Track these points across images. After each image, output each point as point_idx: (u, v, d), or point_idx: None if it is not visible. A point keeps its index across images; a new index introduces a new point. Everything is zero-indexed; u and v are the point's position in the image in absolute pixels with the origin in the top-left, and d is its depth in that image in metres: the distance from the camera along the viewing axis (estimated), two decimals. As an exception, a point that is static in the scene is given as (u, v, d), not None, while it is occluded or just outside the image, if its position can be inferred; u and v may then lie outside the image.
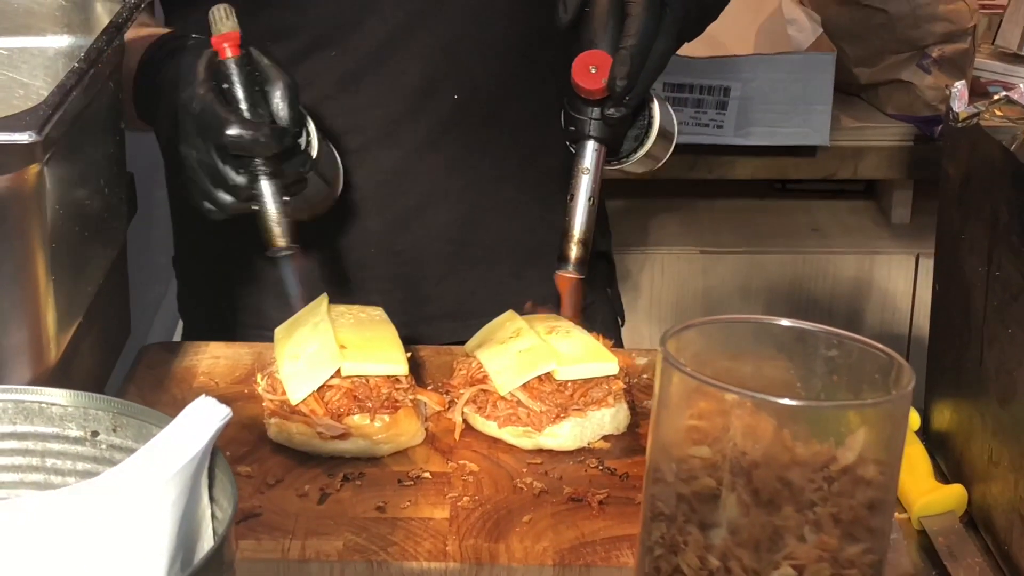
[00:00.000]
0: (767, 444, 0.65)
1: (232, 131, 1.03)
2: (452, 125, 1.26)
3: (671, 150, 1.21)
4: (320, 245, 1.27)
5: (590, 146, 1.13)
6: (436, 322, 1.32)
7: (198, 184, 1.09)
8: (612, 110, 1.10)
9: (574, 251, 1.14)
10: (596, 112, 1.12)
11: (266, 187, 1.06)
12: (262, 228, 1.07)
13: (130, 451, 0.56)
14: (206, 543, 0.57)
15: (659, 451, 0.67)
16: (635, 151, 1.17)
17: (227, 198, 1.08)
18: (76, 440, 0.61)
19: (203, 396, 0.58)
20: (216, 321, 1.37)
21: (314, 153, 1.10)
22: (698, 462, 0.66)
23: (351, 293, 1.28)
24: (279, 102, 1.07)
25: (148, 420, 0.60)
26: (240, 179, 1.06)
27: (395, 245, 1.29)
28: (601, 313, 1.41)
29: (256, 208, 1.07)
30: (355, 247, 1.29)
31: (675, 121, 1.20)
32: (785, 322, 0.69)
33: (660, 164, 1.21)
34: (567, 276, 1.15)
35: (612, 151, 1.15)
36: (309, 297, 1.12)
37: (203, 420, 0.57)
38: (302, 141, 1.10)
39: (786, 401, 0.63)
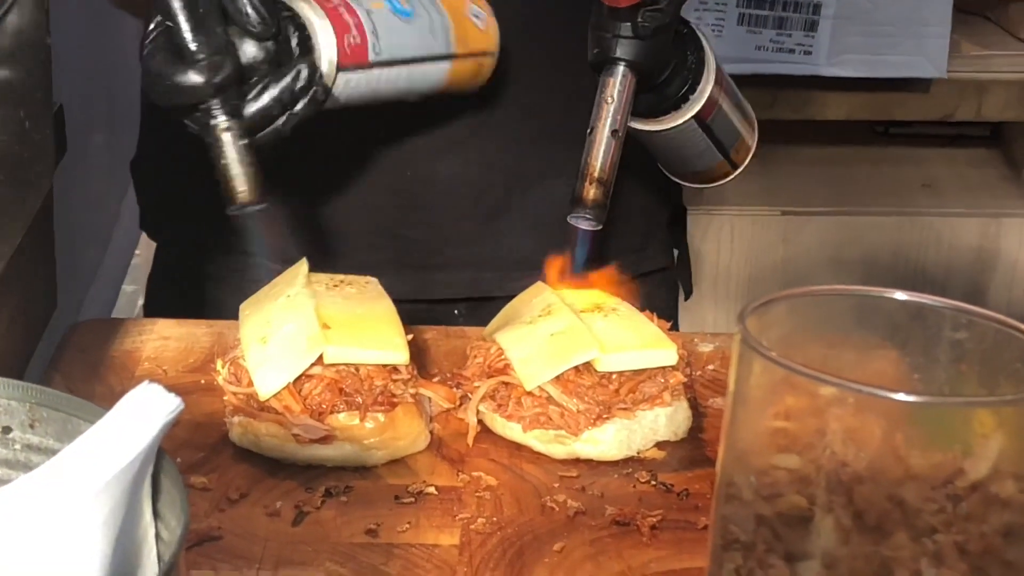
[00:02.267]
0: (874, 452, 0.64)
1: (160, 97, 1.04)
2: None
3: (749, 142, 1.23)
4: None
5: (618, 71, 1.14)
6: (452, 271, 1.33)
7: None
8: (647, 16, 1.11)
9: (591, 192, 1.14)
10: (626, 28, 1.12)
11: (219, 132, 1.06)
12: (218, 179, 1.07)
13: (51, 452, 0.55)
14: (148, 571, 0.56)
15: (734, 460, 0.67)
16: (683, 102, 1.17)
17: None
18: (-18, 438, 0.60)
19: (147, 382, 0.57)
20: (191, 254, 1.39)
21: (323, 61, 1.08)
22: (784, 475, 0.65)
23: (344, 241, 1.30)
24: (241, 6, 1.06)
25: (75, 413, 0.59)
26: (198, 132, 1.07)
27: (437, 171, 1.31)
28: (661, 284, 1.42)
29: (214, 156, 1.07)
30: (388, 169, 1.30)
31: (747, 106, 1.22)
32: (899, 295, 0.69)
33: (730, 160, 1.23)
34: (580, 224, 1.15)
35: (645, 81, 1.15)
36: (286, 262, 1.12)
37: (146, 414, 0.56)
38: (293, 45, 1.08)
39: (901, 396, 0.62)
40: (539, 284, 1.18)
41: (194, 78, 1.03)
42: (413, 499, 1.00)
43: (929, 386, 0.69)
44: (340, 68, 1.08)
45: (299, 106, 1.07)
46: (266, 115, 1.07)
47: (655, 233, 1.42)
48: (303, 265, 1.14)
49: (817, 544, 0.64)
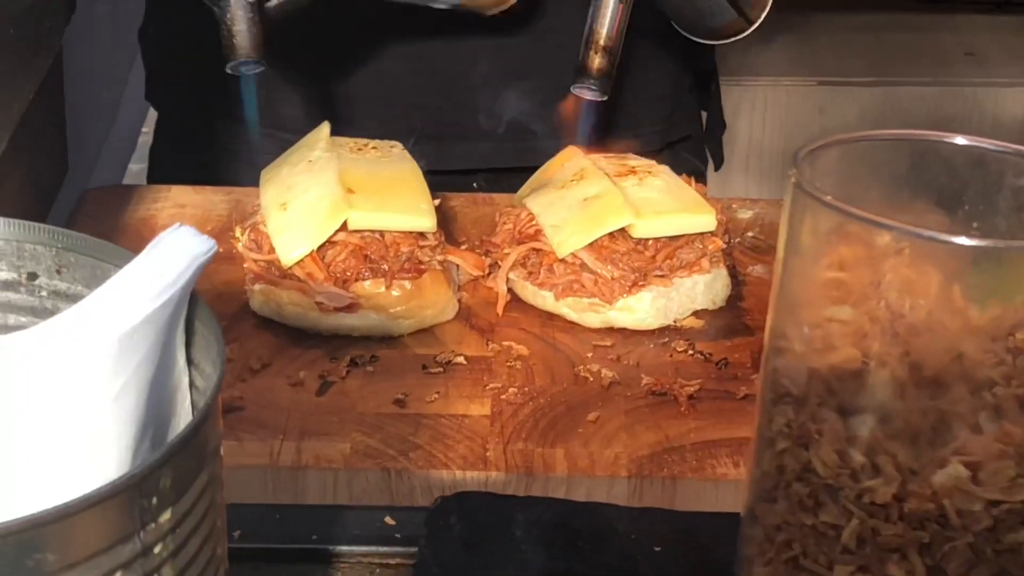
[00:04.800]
0: (932, 304, 0.63)
1: None
2: None
3: (765, 1, 1.21)
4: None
5: None
6: (470, 140, 1.33)
7: None
8: None
9: (596, 61, 1.13)
10: None
11: None
12: (220, 35, 1.07)
13: (79, 299, 0.55)
14: (182, 420, 0.56)
15: (786, 311, 0.67)
16: None
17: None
18: (7, 285, 0.60)
19: (179, 225, 0.57)
20: (197, 122, 1.39)
21: None
22: (838, 327, 0.65)
23: (357, 110, 1.30)
24: None
25: (104, 257, 0.59)
26: None
27: (453, 38, 1.30)
28: (689, 153, 1.41)
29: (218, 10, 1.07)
30: (408, 37, 1.29)
31: None
32: (959, 139, 0.68)
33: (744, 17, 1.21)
34: (584, 94, 1.14)
35: None
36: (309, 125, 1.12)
37: (179, 255, 0.56)
38: None
39: (962, 240, 0.61)
40: (571, 148, 1.17)
41: None
42: (441, 369, 1.01)
43: (989, 235, 0.68)
44: None
45: None
46: None
47: (681, 99, 1.42)
48: (324, 128, 1.14)
49: (872, 398, 0.64)
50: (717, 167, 1.48)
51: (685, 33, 1.28)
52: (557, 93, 1.28)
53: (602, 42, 1.13)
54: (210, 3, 1.07)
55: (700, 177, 1.46)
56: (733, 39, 1.27)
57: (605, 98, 1.14)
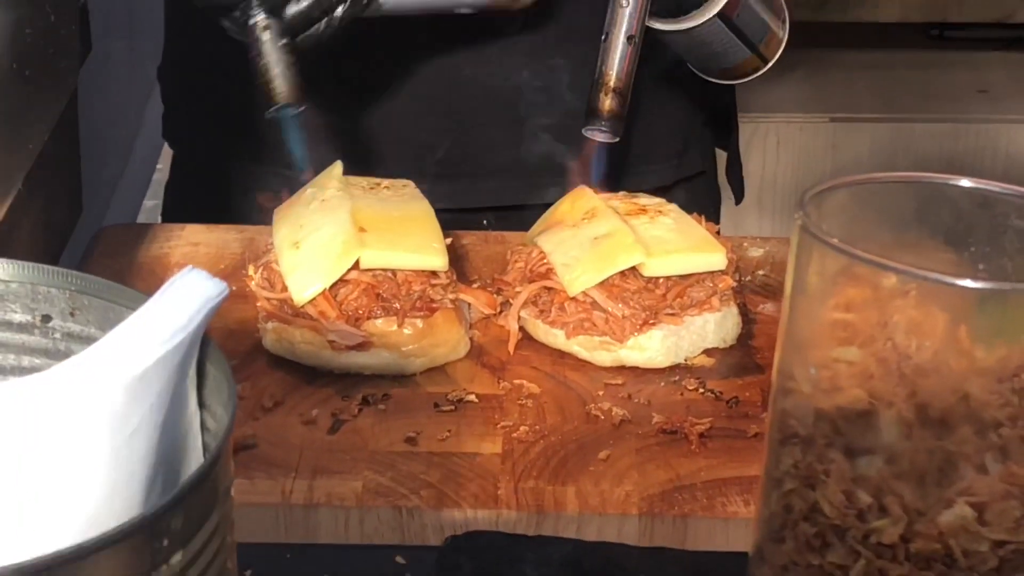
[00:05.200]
0: (938, 345, 0.64)
1: None
2: None
3: (780, 35, 1.22)
4: (367, 67, 1.29)
5: None
6: (479, 179, 1.34)
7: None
8: None
9: (606, 103, 1.14)
10: None
11: (259, 31, 1.07)
12: (257, 80, 1.08)
13: (93, 341, 0.56)
14: (194, 462, 0.57)
15: (793, 352, 0.67)
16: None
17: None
18: (21, 327, 0.60)
19: (189, 267, 0.58)
20: (214, 163, 1.39)
21: None
22: (845, 368, 0.65)
23: (368, 149, 1.30)
24: None
25: (117, 300, 0.59)
26: (237, 34, 1.07)
27: (460, 74, 1.31)
28: (703, 189, 1.41)
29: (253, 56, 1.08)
30: (415, 71, 1.30)
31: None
32: (965, 182, 0.68)
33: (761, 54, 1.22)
34: (596, 136, 1.15)
35: None
36: (320, 165, 1.13)
37: (191, 298, 0.56)
38: None
39: (967, 283, 0.62)
40: (581, 187, 1.17)
41: None
42: (453, 407, 1.01)
43: (995, 276, 0.68)
44: None
45: (340, 10, 1.07)
46: (307, 17, 1.08)
47: (694, 135, 1.42)
48: (337, 167, 1.14)
49: (879, 438, 0.64)
50: (738, 201, 1.48)
51: (700, 73, 1.29)
52: (567, 132, 1.29)
53: (612, 83, 1.13)
54: (245, 48, 1.08)
55: (714, 213, 1.46)
56: (748, 78, 1.28)
57: (617, 139, 1.14)
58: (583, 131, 1.14)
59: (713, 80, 1.30)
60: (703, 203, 1.43)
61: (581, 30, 1.31)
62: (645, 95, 1.29)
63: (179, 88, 1.45)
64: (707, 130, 1.45)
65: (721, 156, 1.50)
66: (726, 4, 1.17)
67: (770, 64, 1.26)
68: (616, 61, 1.13)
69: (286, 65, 1.07)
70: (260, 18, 1.06)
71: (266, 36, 1.07)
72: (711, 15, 1.17)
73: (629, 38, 1.13)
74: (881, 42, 2.40)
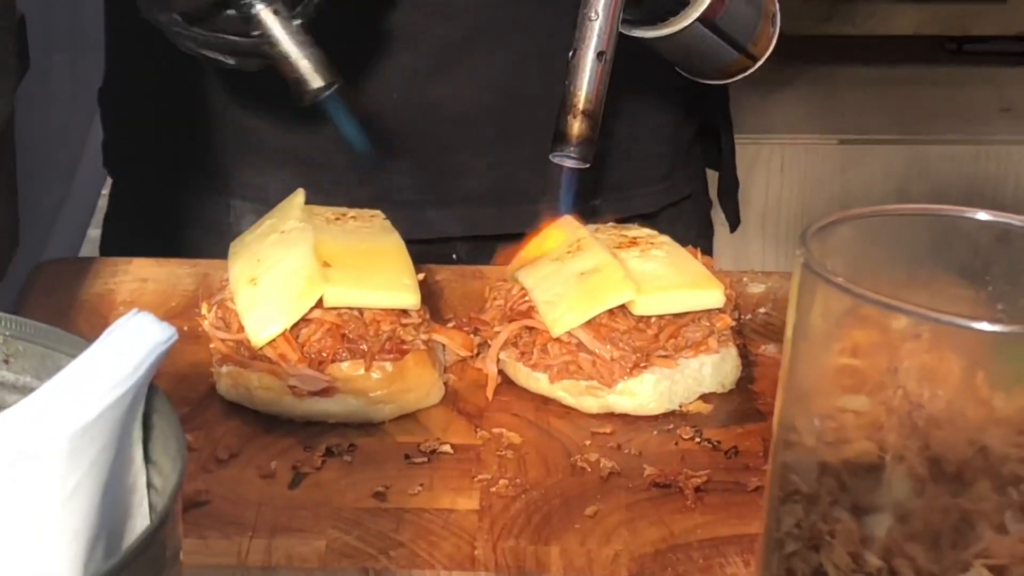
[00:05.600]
0: (953, 393, 0.64)
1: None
2: None
3: (770, 30, 1.22)
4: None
5: None
6: (446, 207, 1.34)
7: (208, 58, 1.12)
8: None
9: (575, 127, 1.13)
10: None
11: (266, 16, 1.07)
12: (283, 75, 1.09)
13: (28, 391, 0.56)
14: (139, 523, 0.57)
15: (795, 401, 0.67)
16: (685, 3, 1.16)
17: (247, 61, 1.10)
18: (-49, 376, 0.60)
19: (135, 311, 0.58)
20: (160, 193, 1.40)
21: None
22: (852, 418, 0.65)
23: (321, 177, 1.31)
24: None
25: (56, 345, 0.59)
26: (239, 40, 1.08)
27: (428, 91, 1.31)
28: (693, 213, 1.42)
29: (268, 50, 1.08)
30: (374, 92, 1.30)
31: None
32: (982, 215, 0.69)
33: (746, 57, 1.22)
34: (564, 162, 1.14)
35: None
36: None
37: (136, 345, 0.57)
38: None
39: (984, 326, 0.62)
40: (568, 218, 1.18)
41: None
42: (426, 458, 1.01)
43: (1015, 317, 0.68)
44: None
45: None
46: None
47: (680, 156, 1.42)
48: (299, 196, 1.15)
49: (888, 495, 0.65)
50: (732, 228, 1.49)
51: (685, 74, 1.28)
52: (538, 156, 1.29)
53: (580, 105, 1.12)
54: (253, 52, 1.08)
55: (705, 241, 1.46)
56: (739, 77, 1.28)
57: (587, 165, 1.14)
58: (550, 156, 1.14)
59: (701, 81, 1.29)
60: (692, 230, 1.43)
61: (555, 45, 1.31)
62: (624, 112, 1.29)
63: (123, 112, 1.45)
64: (695, 148, 1.45)
65: (713, 176, 1.50)
66: (708, 7, 1.17)
67: (760, 62, 1.26)
68: (585, 81, 1.12)
69: (308, 45, 1.08)
70: (262, 6, 1.07)
71: (277, 22, 1.07)
72: (691, 20, 1.17)
73: (599, 55, 1.11)
74: (894, 57, 2.42)
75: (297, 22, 1.07)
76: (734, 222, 1.49)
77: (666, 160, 1.41)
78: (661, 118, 1.39)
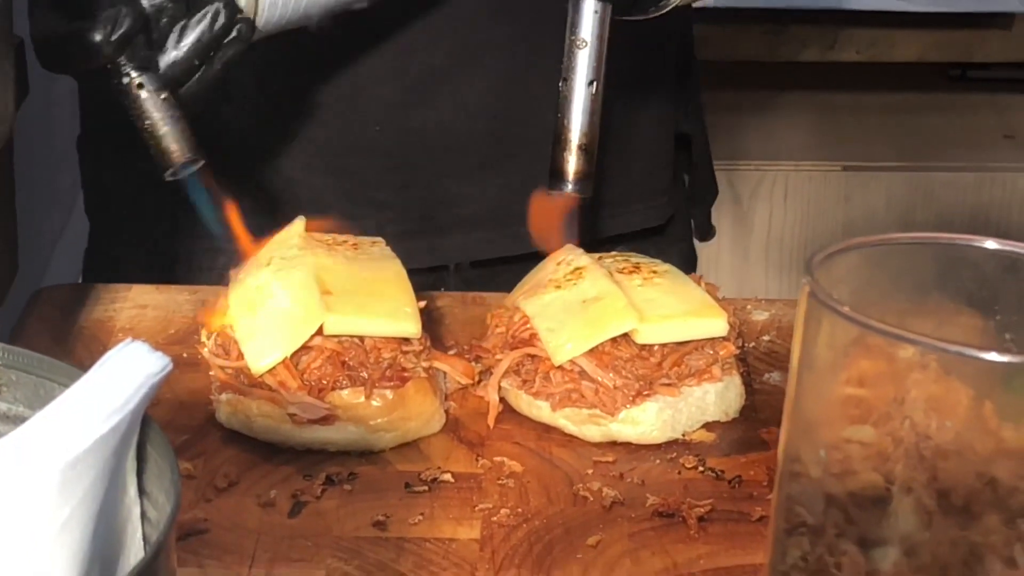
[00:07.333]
0: (961, 424, 0.64)
1: (53, 63, 1.06)
2: None
3: None
4: (297, 120, 1.28)
5: (588, 6, 1.10)
6: (437, 235, 1.33)
7: None
8: None
9: (572, 164, 1.11)
10: None
11: (134, 89, 1.06)
12: (145, 143, 1.07)
13: (21, 421, 0.55)
14: (133, 555, 0.56)
15: (800, 432, 0.67)
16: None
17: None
18: (-57, 405, 0.60)
19: (129, 340, 0.57)
20: (141, 229, 1.38)
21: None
22: (858, 449, 0.65)
23: (343, 196, 1.30)
24: None
25: (48, 375, 0.59)
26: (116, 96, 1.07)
27: (411, 120, 1.30)
28: (677, 227, 1.42)
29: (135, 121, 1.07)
30: (355, 124, 1.30)
31: None
32: (990, 244, 0.68)
33: None
34: (564, 197, 1.13)
35: (622, 5, 1.12)
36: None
37: (129, 375, 0.56)
38: None
39: (993, 356, 0.62)
40: (569, 246, 1.17)
41: (90, 36, 1.02)
42: (426, 487, 1.01)
43: (1023, 347, 0.68)
44: None
45: (223, 50, 1.07)
46: (187, 65, 1.07)
47: (660, 173, 1.42)
48: (299, 224, 1.14)
49: (895, 528, 0.65)
50: (701, 238, 1.48)
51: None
52: (529, 178, 1.28)
53: (576, 140, 1.10)
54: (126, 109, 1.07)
55: (690, 257, 1.46)
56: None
57: (588, 196, 1.12)
58: (549, 191, 1.12)
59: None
60: (682, 252, 1.43)
61: (537, 66, 1.31)
62: (615, 127, 1.28)
63: (100, 163, 1.43)
64: (672, 159, 1.44)
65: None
66: None
67: None
68: (578, 113, 1.10)
69: (174, 120, 1.07)
70: (133, 76, 1.06)
71: (144, 94, 1.06)
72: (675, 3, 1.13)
73: (590, 83, 1.10)
74: (898, 84, 2.43)
75: (164, 96, 1.06)
76: (703, 233, 1.48)
77: (659, 174, 1.40)
78: (647, 140, 1.38)
